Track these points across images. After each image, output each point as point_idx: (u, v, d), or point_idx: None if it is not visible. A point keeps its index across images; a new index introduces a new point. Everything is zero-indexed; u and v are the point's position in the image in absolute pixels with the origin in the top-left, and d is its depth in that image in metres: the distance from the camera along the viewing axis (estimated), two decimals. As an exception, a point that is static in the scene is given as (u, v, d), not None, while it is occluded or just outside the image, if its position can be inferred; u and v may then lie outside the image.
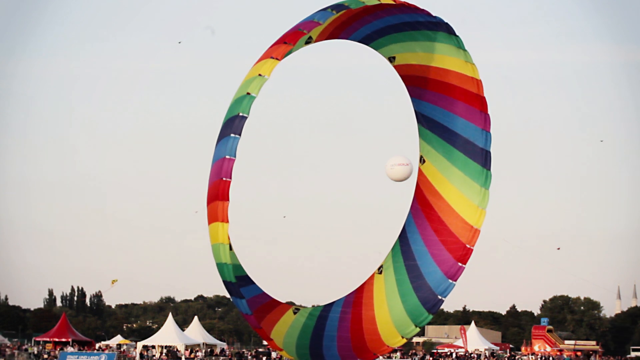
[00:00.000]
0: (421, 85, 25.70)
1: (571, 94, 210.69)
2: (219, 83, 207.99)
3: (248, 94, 21.83)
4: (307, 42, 23.67)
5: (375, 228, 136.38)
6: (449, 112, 25.49)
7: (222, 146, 21.82)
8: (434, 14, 24.46)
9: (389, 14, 24.34)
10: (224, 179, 21.48)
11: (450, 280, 25.49)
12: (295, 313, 25.90)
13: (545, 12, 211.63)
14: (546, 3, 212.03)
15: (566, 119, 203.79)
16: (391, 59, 25.85)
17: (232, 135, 21.63)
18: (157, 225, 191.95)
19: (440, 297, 25.46)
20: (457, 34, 24.82)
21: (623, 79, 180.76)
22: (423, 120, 26.19)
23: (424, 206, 26.36)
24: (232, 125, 21.74)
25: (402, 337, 25.73)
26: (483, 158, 25.47)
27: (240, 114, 21.68)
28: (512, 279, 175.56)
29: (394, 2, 23.50)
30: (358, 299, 26.35)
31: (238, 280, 22.94)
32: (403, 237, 26.60)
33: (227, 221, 21.53)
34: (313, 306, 26.47)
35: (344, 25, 24.34)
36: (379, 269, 26.70)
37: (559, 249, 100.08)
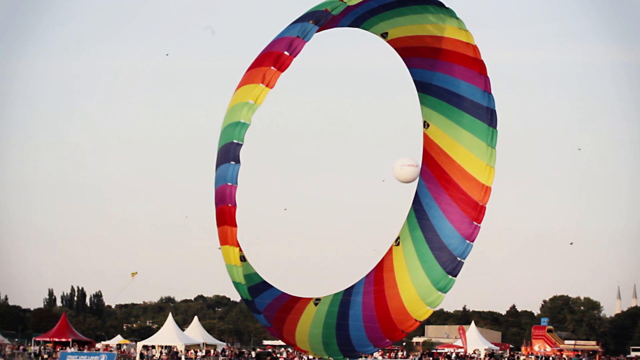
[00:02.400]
0: (417, 54, 25.85)
1: (571, 94, 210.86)
2: (219, 83, 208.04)
3: (240, 120, 22.26)
4: None
5: (379, 223, 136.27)
6: (450, 75, 25.66)
7: (223, 172, 22.34)
8: None
9: None
10: (230, 205, 22.03)
11: (468, 241, 25.66)
12: (316, 304, 26.03)
13: (545, 12, 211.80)
14: (546, 3, 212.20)
15: (566, 118, 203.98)
16: (384, 35, 26.02)
17: (232, 163, 22.20)
18: (157, 225, 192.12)
19: (460, 259, 25.61)
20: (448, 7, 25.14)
21: (623, 79, 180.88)
22: (422, 86, 26.34)
23: (434, 169, 26.45)
24: (229, 153, 22.29)
25: (428, 307, 25.76)
26: (489, 117, 25.69)
27: (235, 142, 22.19)
28: (512, 279, 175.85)
29: None
30: (378, 276, 26.40)
31: (253, 295, 23.39)
32: (417, 203, 26.65)
33: (237, 245, 22.13)
34: (334, 293, 26.58)
35: (334, 20, 24.44)
36: (396, 240, 26.75)
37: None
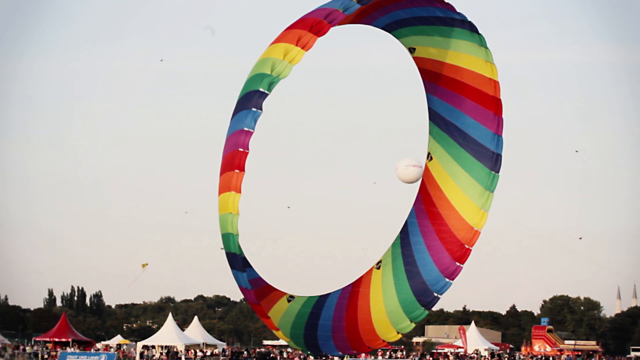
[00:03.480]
0: (435, 81, 25.60)
1: (571, 94, 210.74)
2: (219, 83, 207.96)
3: (270, 73, 21.29)
4: None
5: (378, 224, 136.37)
6: (459, 110, 25.40)
7: (241, 119, 21.33)
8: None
9: (412, 4, 24.22)
10: (241, 149, 21.08)
11: (447, 279, 25.59)
12: (289, 301, 25.95)
13: (545, 12, 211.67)
14: (546, 3, 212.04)
15: (566, 118, 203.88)
16: (411, 50, 25.68)
17: (253, 109, 21.22)
18: (158, 225, 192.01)
19: (435, 295, 25.56)
20: (480, 32, 24.73)
21: (623, 79, 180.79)
22: (434, 116, 26.16)
23: (427, 203, 26.40)
24: (252, 99, 21.26)
25: (397, 332, 25.82)
26: (493, 161, 25.40)
27: (261, 90, 21.29)
28: (512, 279, 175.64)
29: None
30: (355, 291, 26.43)
31: (241, 253, 22.57)
32: (404, 233, 26.65)
33: (240, 191, 21.16)
34: (308, 297, 26.51)
35: (366, 12, 24.16)
36: (377, 263, 26.76)
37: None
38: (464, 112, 25.38)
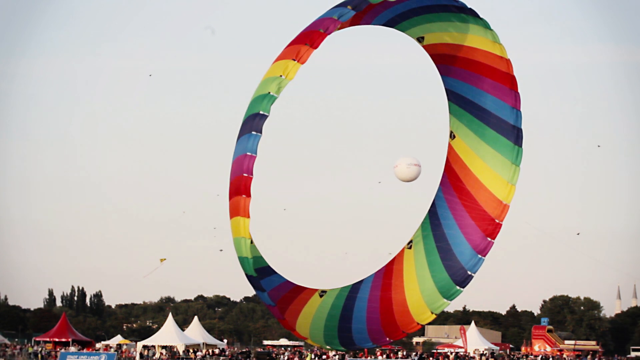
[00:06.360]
0: (450, 63, 25.85)
1: (571, 94, 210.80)
2: (219, 83, 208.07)
3: (269, 93, 22.09)
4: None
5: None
6: (478, 88, 25.70)
7: (243, 143, 22.14)
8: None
9: None
10: (245, 175, 21.76)
11: (480, 256, 25.69)
12: (321, 296, 26.14)
13: (545, 12, 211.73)
14: (546, 3, 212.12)
15: (566, 119, 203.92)
16: (420, 39, 25.97)
17: (254, 133, 21.95)
18: (158, 225, 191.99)
19: (470, 273, 25.65)
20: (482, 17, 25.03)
21: (623, 79, 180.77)
22: (453, 96, 26.33)
23: (454, 181, 26.51)
24: (253, 123, 22.09)
25: (432, 313, 25.87)
26: (515, 135, 25.73)
27: (261, 112, 22.00)
28: (512, 279, 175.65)
29: None
30: (387, 275, 26.54)
31: (259, 274, 23.28)
32: (432, 212, 26.70)
33: (248, 216, 21.90)
34: (341, 287, 26.68)
35: (364, 12, 24.42)
36: (408, 243, 26.80)
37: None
38: (482, 90, 25.67)
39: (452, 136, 26.66)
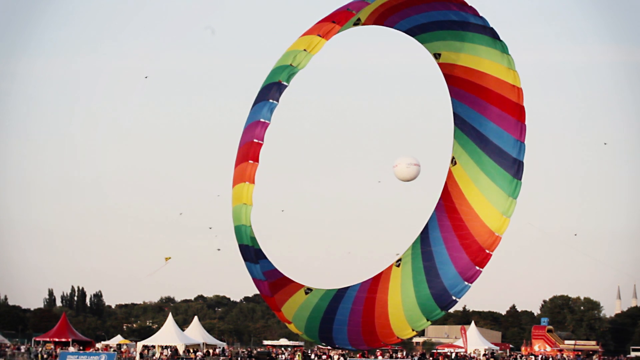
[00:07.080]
0: (460, 86, 25.87)
1: (571, 94, 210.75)
2: (219, 83, 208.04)
3: (290, 65, 21.95)
4: (356, 24, 23.91)
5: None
6: (483, 116, 25.65)
7: (258, 110, 21.94)
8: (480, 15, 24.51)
9: (434, 8, 24.46)
10: (256, 140, 21.56)
11: (466, 282, 25.77)
12: (307, 293, 26.16)
13: (546, 12, 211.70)
14: (546, 3, 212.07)
15: (566, 119, 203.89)
16: (436, 56, 25.98)
17: (270, 100, 21.76)
18: (158, 225, 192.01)
19: (454, 298, 25.74)
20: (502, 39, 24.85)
21: (623, 79, 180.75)
22: (459, 121, 26.37)
23: (449, 207, 26.61)
24: (270, 91, 21.87)
25: (412, 330, 26.00)
26: (515, 168, 25.68)
27: (280, 81, 21.82)
28: (512, 279, 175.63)
29: None
30: (373, 287, 26.67)
31: (254, 245, 22.94)
32: (424, 234, 26.80)
33: (253, 182, 21.71)
34: (326, 290, 26.69)
35: (390, 11, 24.42)
36: (397, 261, 26.91)
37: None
38: (488, 118, 25.67)
39: (453, 162, 26.69)
